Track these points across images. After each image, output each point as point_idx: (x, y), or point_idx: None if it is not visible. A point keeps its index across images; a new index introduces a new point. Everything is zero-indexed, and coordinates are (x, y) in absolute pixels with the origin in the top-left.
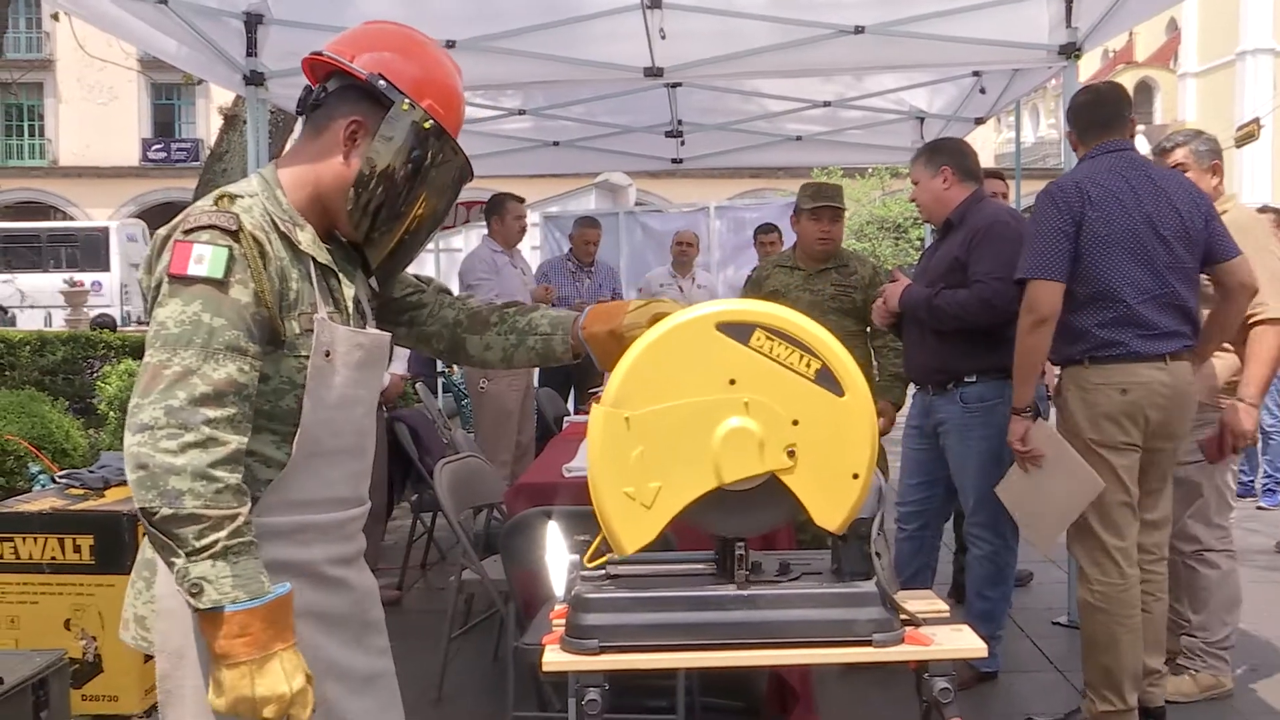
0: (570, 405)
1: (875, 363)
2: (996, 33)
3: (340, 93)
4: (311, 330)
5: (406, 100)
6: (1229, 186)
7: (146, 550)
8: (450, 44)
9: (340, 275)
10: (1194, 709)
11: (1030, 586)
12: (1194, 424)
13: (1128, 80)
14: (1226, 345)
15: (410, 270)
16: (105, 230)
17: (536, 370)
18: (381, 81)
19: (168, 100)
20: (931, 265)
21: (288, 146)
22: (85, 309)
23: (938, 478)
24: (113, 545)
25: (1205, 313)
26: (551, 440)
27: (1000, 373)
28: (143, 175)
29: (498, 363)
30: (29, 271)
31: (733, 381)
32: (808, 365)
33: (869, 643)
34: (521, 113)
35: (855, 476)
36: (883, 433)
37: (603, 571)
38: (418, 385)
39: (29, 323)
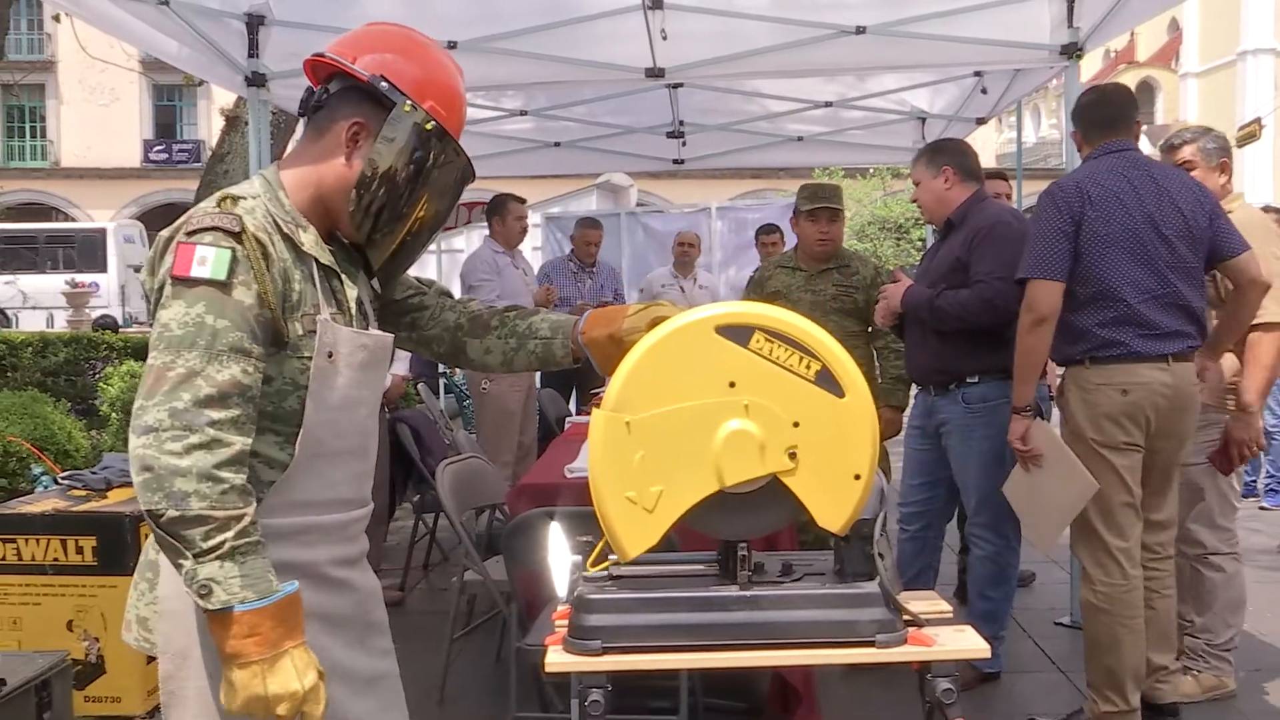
0: (572, 406)
1: (878, 364)
2: (998, 33)
3: (342, 94)
4: (314, 331)
5: (408, 102)
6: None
7: (149, 552)
8: (452, 45)
9: (343, 276)
10: (1197, 710)
11: (1032, 587)
12: (1199, 424)
13: (1129, 80)
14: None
15: (411, 272)
16: (102, 231)
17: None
18: (383, 83)
19: (169, 101)
20: (933, 266)
21: (289, 148)
22: (87, 310)
23: (940, 478)
24: (115, 546)
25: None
26: (553, 441)
27: (1002, 373)
28: (144, 176)
29: (497, 366)
30: (27, 272)
31: (733, 384)
32: (807, 367)
33: (872, 643)
34: (523, 113)
35: (857, 477)
36: (889, 436)
37: (605, 572)
38: (419, 386)
39: (31, 324)
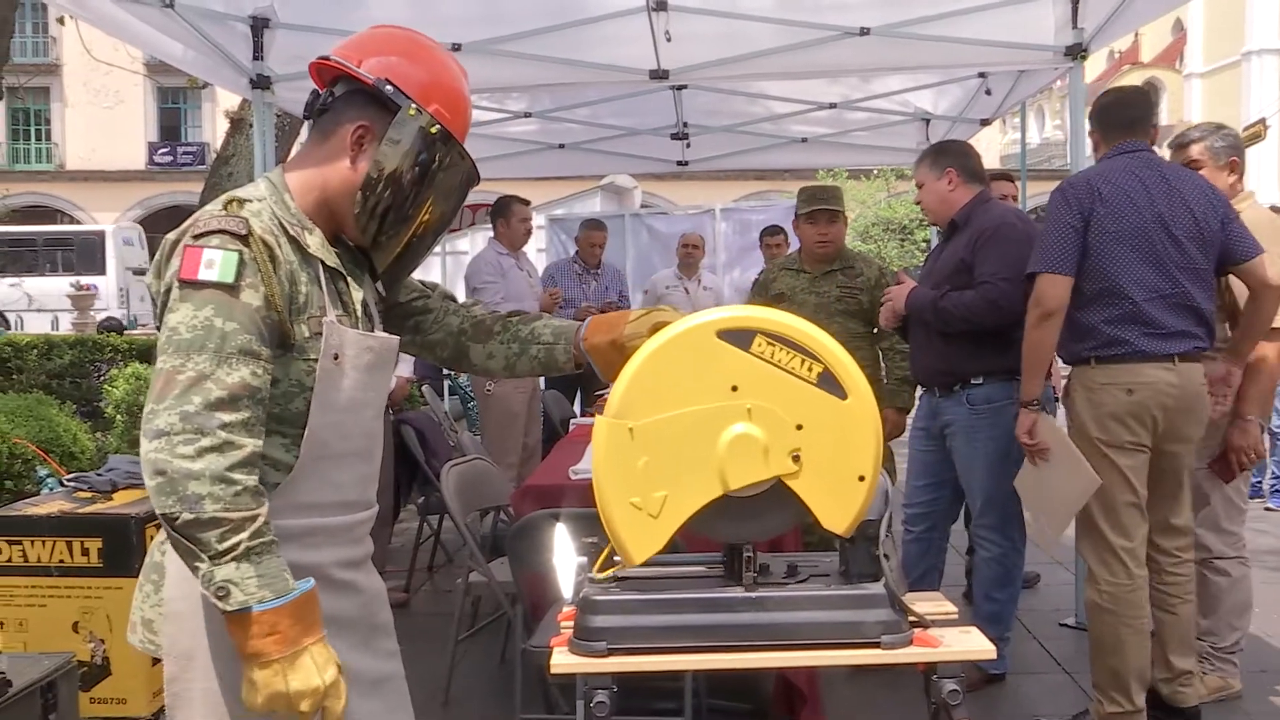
0: (577, 408)
1: (883, 365)
2: (1002, 34)
3: (347, 97)
4: (320, 333)
5: (413, 105)
6: None
7: (154, 553)
8: (456, 47)
9: (348, 279)
10: (1203, 711)
11: (1037, 588)
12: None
13: (1134, 81)
14: (1221, 346)
15: (416, 274)
16: (101, 234)
17: None
18: (388, 86)
19: (173, 104)
20: (937, 267)
21: (294, 151)
22: (92, 312)
23: (945, 479)
24: (121, 548)
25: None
26: (558, 442)
27: (1007, 374)
28: (149, 179)
29: (500, 371)
30: (26, 275)
31: (735, 388)
32: (809, 369)
33: (877, 644)
34: (527, 115)
35: (861, 479)
36: (892, 437)
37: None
38: (424, 388)
39: (36, 326)
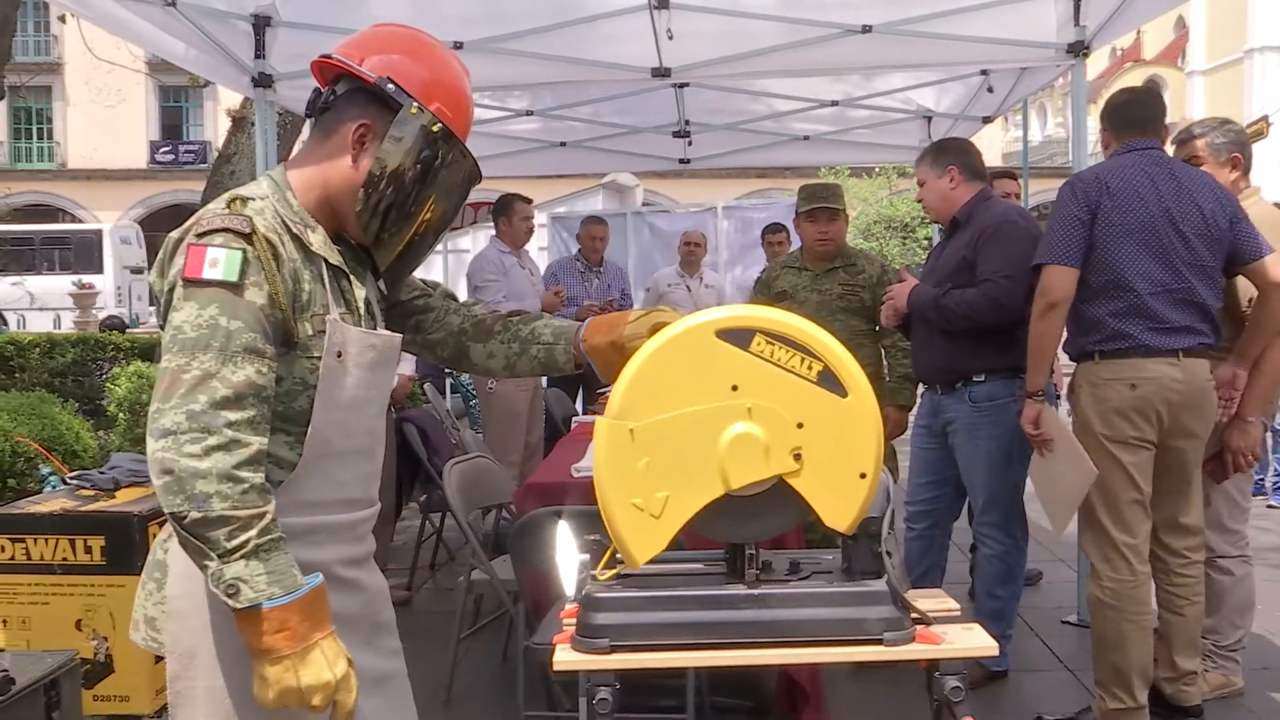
0: (579, 405)
1: (885, 363)
2: (1004, 31)
3: (349, 96)
4: (324, 331)
5: (415, 103)
6: None
7: (157, 551)
8: (458, 45)
9: (351, 277)
10: (1205, 708)
11: (1039, 585)
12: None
13: (1136, 78)
14: (1225, 347)
15: (418, 273)
16: (99, 233)
17: None
18: (390, 85)
19: (175, 103)
20: (939, 265)
21: (296, 149)
22: (94, 311)
23: (947, 477)
24: (123, 546)
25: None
26: (560, 440)
27: (1009, 372)
28: (150, 178)
29: (500, 371)
30: (24, 274)
31: (735, 388)
32: (809, 368)
33: (879, 641)
34: (529, 113)
35: (862, 476)
36: (894, 435)
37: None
38: (426, 386)
39: (38, 325)
